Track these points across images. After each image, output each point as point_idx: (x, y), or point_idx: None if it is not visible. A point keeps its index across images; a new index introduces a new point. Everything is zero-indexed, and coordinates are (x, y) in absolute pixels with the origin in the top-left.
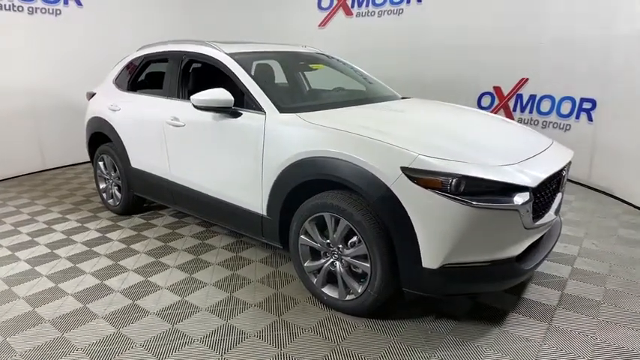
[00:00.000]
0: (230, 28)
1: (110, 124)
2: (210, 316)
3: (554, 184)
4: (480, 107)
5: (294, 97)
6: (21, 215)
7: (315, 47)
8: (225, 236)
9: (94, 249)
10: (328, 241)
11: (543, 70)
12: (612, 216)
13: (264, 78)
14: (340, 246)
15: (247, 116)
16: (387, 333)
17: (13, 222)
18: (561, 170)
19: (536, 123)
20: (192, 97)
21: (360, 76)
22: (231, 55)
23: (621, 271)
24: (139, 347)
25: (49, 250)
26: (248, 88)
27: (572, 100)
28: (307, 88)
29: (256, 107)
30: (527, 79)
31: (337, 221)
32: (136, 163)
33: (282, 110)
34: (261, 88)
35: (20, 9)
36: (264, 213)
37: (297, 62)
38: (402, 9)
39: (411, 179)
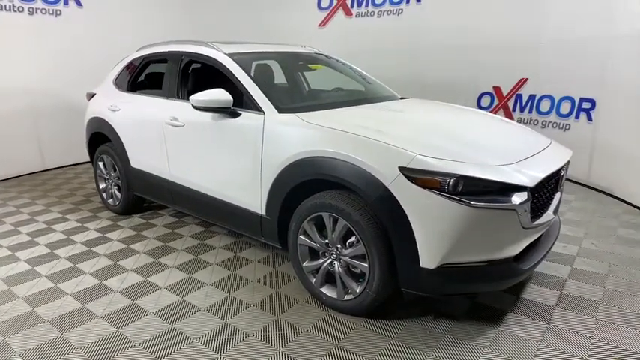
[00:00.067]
0: (230, 28)
1: (110, 125)
2: (209, 316)
3: (552, 183)
4: (480, 107)
5: (293, 98)
6: (21, 215)
7: (315, 47)
8: (224, 236)
9: (94, 249)
10: (327, 241)
11: (543, 70)
12: (612, 216)
13: (263, 78)
14: (339, 246)
15: (246, 116)
16: (385, 333)
17: (14, 222)
18: (559, 170)
19: (535, 123)
20: (191, 97)
21: (359, 77)
22: (230, 55)
23: (620, 271)
24: (137, 347)
25: (49, 250)
26: (247, 88)
27: (572, 99)
28: (306, 89)
29: (255, 107)
30: (526, 79)
31: (336, 221)
32: (135, 163)
33: (280, 110)
34: (260, 88)
35: (20, 9)
36: (263, 213)
37: (296, 62)
38: (402, 9)
39: (409, 179)
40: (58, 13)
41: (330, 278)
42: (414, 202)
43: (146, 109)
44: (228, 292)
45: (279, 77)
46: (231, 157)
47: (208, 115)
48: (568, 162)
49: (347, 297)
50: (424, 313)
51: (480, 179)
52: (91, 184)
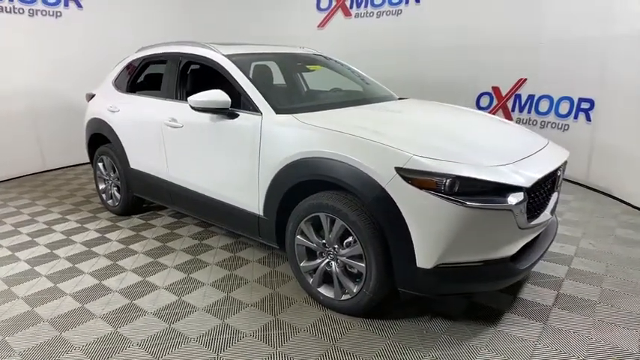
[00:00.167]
0: (230, 28)
1: (109, 126)
2: (207, 316)
3: (549, 184)
4: (479, 107)
5: (291, 98)
6: (21, 216)
7: (313, 48)
8: (223, 237)
9: (93, 249)
10: (324, 241)
11: (542, 70)
12: (610, 216)
13: (261, 79)
14: (336, 246)
15: (244, 117)
16: (382, 333)
17: (14, 222)
18: (556, 170)
19: (534, 123)
20: (189, 98)
21: (357, 77)
22: (229, 56)
23: (618, 271)
24: (135, 346)
25: (49, 251)
26: (245, 89)
27: (571, 100)
28: (305, 89)
29: (253, 108)
30: (525, 79)
31: (333, 221)
32: (134, 164)
33: (278, 111)
34: (258, 89)
35: (21, 11)
36: (261, 213)
37: (294, 63)
38: (401, 9)
39: (405, 180)
40: (59, 14)
41: (327, 278)
42: (411, 202)
43: (145, 110)
44: (227, 292)
45: (278, 78)
46: (229, 158)
47: (206, 116)
48: (565, 162)
49: (344, 297)
50: (421, 313)
51: (475, 179)
52: (90, 185)
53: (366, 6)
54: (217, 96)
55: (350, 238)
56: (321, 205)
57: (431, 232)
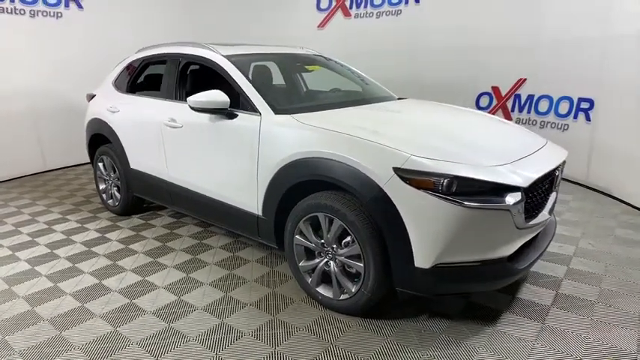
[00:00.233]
0: (230, 29)
1: (109, 126)
2: (206, 315)
3: (547, 183)
4: (479, 107)
5: (290, 99)
6: (22, 216)
7: (313, 49)
8: (222, 236)
9: (93, 249)
10: (322, 241)
11: (541, 70)
12: (610, 216)
13: (260, 80)
14: (334, 246)
15: (243, 117)
16: (380, 332)
17: (14, 222)
18: (554, 170)
19: (534, 123)
20: (188, 98)
21: (356, 78)
22: (228, 57)
23: (617, 271)
24: (135, 346)
25: (49, 250)
26: (244, 89)
27: (570, 100)
28: (304, 90)
29: (252, 108)
30: (525, 80)
31: (331, 221)
32: (134, 164)
33: (277, 111)
34: (257, 89)
35: (22, 12)
36: (260, 213)
37: (294, 64)
38: (401, 10)
39: (403, 180)
40: (59, 15)
41: (326, 278)
42: (409, 202)
43: (145, 110)
44: (226, 291)
45: (278, 79)
46: (228, 158)
47: (206, 116)
48: (564, 162)
49: (342, 297)
50: (419, 312)
51: (473, 179)
52: (91, 185)
53: (365, 6)
54: (216, 96)
55: (348, 238)
56: (320, 205)
57: (429, 232)
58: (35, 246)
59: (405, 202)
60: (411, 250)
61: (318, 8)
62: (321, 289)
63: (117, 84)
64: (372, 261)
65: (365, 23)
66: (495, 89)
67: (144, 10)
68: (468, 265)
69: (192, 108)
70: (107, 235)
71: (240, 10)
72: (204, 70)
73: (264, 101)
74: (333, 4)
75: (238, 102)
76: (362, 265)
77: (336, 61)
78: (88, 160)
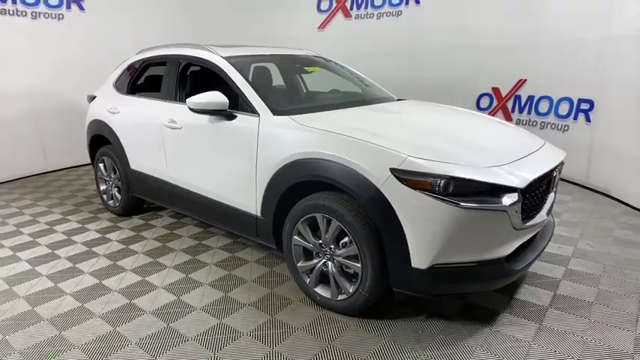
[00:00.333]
0: (230, 29)
1: (110, 127)
2: (205, 315)
3: (544, 184)
4: (479, 108)
5: (289, 100)
6: (23, 216)
7: (313, 50)
8: (222, 237)
9: (94, 249)
10: (321, 241)
11: (541, 71)
12: (610, 217)
13: (259, 81)
14: (332, 246)
15: (242, 119)
16: (378, 332)
17: (16, 223)
18: (552, 171)
19: (534, 124)
20: (188, 100)
21: (356, 79)
22: (227, 58)
23: (615, 272)
24: (134, 345)
25: (50, 251)
26: (243, 90)
27: (570, 100)
28: (304, 91)
29: (251, 110)
30: (525, 80)
31: (329, 222)
32: (135, 165)
33: (275, 113)
34: (256, 90)
35: (24, 14)
36: (259, 214)
37: (293, 65)
38: (401, 11)
39: (400, 180)
40: (61, 17)
41: (324, 278)
42: (405, 203)
43: (145, 111)
44: (224, 291)
45: (278, 80)
46: (227, 159)
47: (205, 117)
48: (562, 163)
49: (340, 297)
50: (416, 313)
51: (470, 180)
52: (92, 186)
53: (366, 7)
54: (215, 98)
55: (346, 239)
56: (318, 205)
57: (425, 233)
58: (36, 246)
59: (401, 203)
60: (408, 250)
61: (319, 9)
62: (319, 290)
63: (117, 85)
64: (370, 261)
65: (365, 24)
66: (495, 90)
67: (144, 11)
68: (465, 266)
69: (192, 109)
70: (107, 236)
71: (241, 10)
72: (204, 72)
73: (262, 102)
74: (334, 5)
75: (237, 103)
76: (359, 265)
77: (335, 63)
78: (90, 161)
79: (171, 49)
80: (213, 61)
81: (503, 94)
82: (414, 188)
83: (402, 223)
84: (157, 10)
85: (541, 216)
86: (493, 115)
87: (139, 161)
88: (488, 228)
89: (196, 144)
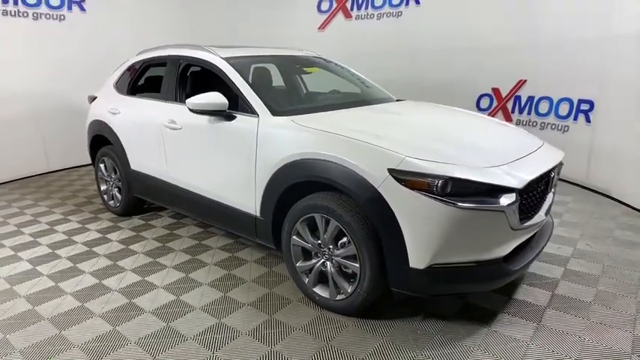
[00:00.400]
0: (230, 29)
1: (110, 127)
2: (204, 315)
3: (542, 185)
4: (479, 109)
5: (288, 100)
6: (24, 216)
7: (313, 51)
8: (222, 237)
9: (94, 249)
10: (319, 241)
11: (541, 71)
12: (610, 217)
13: (259, 81)
14: (331, 246)
15: (241, 119)
16: (376, 332)
17: (17, 223)
18: (550, 171)
19: (534, 124)
20: (187, 100)
21: (355, 79)
22: (227, 59)
23: (614, 272)
24: (133, 345)
25: (51, 251)
26: (242, 91)
27: (570, 101)
28: (304, 91)
29: (250, 110)
30: (525, 81)
31: (327, 222)
32: (135, 165)
33: (275, 113)
34: (255, 91)
35: (25, 15)
36: (258, 214)
37: (293, 66)
38: (401, 11)
39: (398, 181)
40: (62, 18)
41: (322, 278)
42: (403, 203)
43: (145, 112)
44: (224, 291)
45: (278, 81)
46: (226, 159)
47: (205, 117)
48: (561, 163)
49: (339, 297)
50: (415, 313)
51: (467, 181)
52: (93, 186)
53: (366, 8)
54: (215, 98)
55: (344, 239)
56: (316, 205)
57: (423, 233)
58: (37, 246)
59: (399, 203)
60: (406, 250)
61: (319, 10)
62: (317, 290)
63: (118, 86)
64: (368, 261)
65: (366, 25)
66: (496, 90)
67: (143, 11)
68: (463, 266)
69: (191, 110)
70: (108, 236)
71: (241, 10)
72: (204, 73)
73: (261, 103)
74: (334, 5)
75: (237, 104)
76: (358, 265)
77: (335, 63)
78: (90, 162)
79: (172, 50)
80: (212, 61)
81: (503, 95)
82: (412, 188)
83: (400, 223)
84: (156, 9)
85: (539, 216)
86: (493, 116)
87: (139, 161)
88: (485, 228)
89: (196, 144)
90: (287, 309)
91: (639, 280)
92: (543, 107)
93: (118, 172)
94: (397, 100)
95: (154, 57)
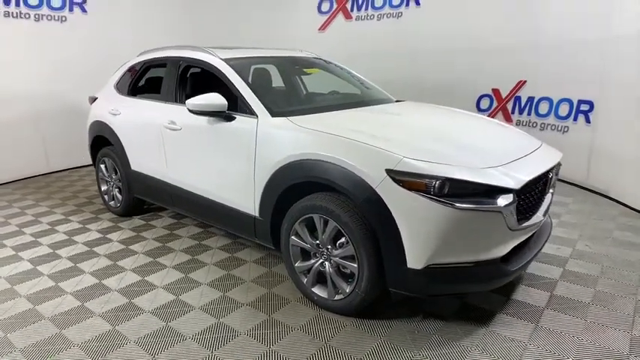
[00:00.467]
0: (230, 30)
1: (111, 128)
2: (203, 315)
3: (540, 185)
4: (479, 109)
5: (287, 101)
6: (25, 217)
7: (313, 52)
8: (221, 237)
9: (95, 249)
10: (318, 242)
11: (541, 72)
12: (609, 218)
13: (259, 82)
14: (329, 247)
15: (240, 120)
16: (374, 332)
17: (18, 223)
18: (548, 172)
19: (534, 125)
20: (187, 101)
21: (355, 80)
22: (226, 60)
23: (613, 273)
24: (132, 344)
25: (51, 250)
26: (241, 92)
27: (570, 102)
28: (303, 92)
29: (249, 111)
30: (525, 82)
31: (326, 222)
32: (135, 165)
33: (274, 114)
34: (254, 92)
35: (27, 16)
36: (257, 214)
37: (293, 67)
38: (401, 12)
39: (395, 181)
40: (64, 19)
41: (321, 278)
42: (401, 203)
43: (145, 112)
44: (223, 291)
45: (278, 81)
46: (226, 160)
47: (204, 118)
48: (559, 164)
49: (337, 297)
50: (413, 313)
51: (465, 181)
52: (93, 187)
53: (366, 9)
54: (214, 99)
55: (343, 239)
56: (315, 206)
57: (421, 233)
58: (38, 246)
59: (397, 204)
60: (404, 251)
61: (319, 11)
62: (316, 290)
63: (118, 87)
64: (366, 262)
65: (366, 26)
66: (496, 91)
67: (144, 11)
68: (461, 266)
69: (191, 111)
70: (108, 236)
71: (241, 11)
72: (204, 74)
73: (260, 104)
74: (335, 6)
75: (237, 105)
76: (356, 265)
77: (335, 64)
78: (91, 162)
79: (172, 51)
80: (212, 62)
81: (504, 96)
82: (410, 189)
83: (397, 223)
84: (157, 10)
85: (537, 217)
86: (493, 117)
87: (139, 162)
88: (483, 229)
89: (196, 145)
90: (286, 309)
91: (638, 281)
92: (543, 108)
93: (119, 173)
94: (396, 101)
95: (154, 58)
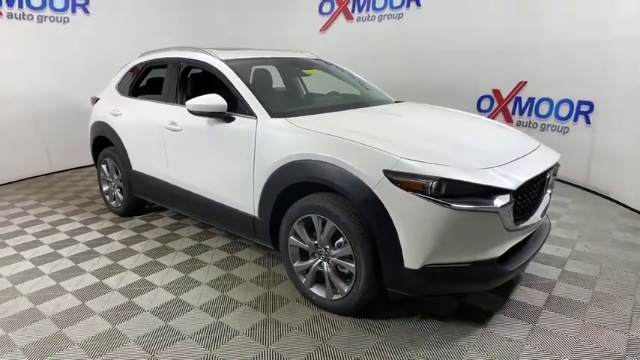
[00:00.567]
0: (231, 31)
1: (112, 129)
2: (202, 314)
3: (538, 186)
4: (480, 110)
5: (287, 102)
6: (27, 216)
7: (313, 53)
8: (221, 237)
9: (95, 249)
10: (316, 242)
11: (542, 73)
12: (609, 219)
13: (258, 83)
14: (327, 247)
15: (240, 121)
16: (372, 332)
17: (20, 223)
18: (545, 173)
19: (534, 126)
20: (187, 102)
21: (355, 81)
22: (226, 61)
23: (612, 273)
24: (132, 343)
25: (53, 250)
26: (241, 93)
27: (570, 102)
28: (303, 93)
29: (248, 112)
30: (525, 82)
31: (324, 223)
32: (136, 166)
33: (273, 115)
34: (253, 93)
35: (30, 17)
36: (256, 214)
37: (293, 68)
38: (402, 13)
39: (393, 182)
40: (66, 20)
41: (319, 278)
42: (398, 204)
43: (146, 113)
44: (222, 291)
45: (278, 82)
46: (225, 160)
47: (204, 119)
48: (557, 164)
49: (335, 297)
50: (411, 313)
51: (461, 182)
52: (95, 187)
53: (367, 10)
54: (214, 100)
55: (341, 239)
56: (313, 206)
57: (418, 234)
58: (39, 246)
59: (394, 204)
60: (401, 251)
61: (320, 12)
62: (314, 290)
63: (120, 88)
64: (364, 262)
65: (367, 27)
66: (496, 92)
67: (145, 12)
68: (458, 266)
69: (191, 111)
70: (109, 236)
71: (242, 12)
72: (204, 75)
73: (260, 105)
74: (336, 7)
75: (236, 106)
76: (354, 265)
77: (336, 66)
78: (93, 162)
79: (173, 52)
80: (212, 63)
81: (504, 96)
82: (407, 190)
83: (394, 224)
84: (158, 11)
85: (535, 217)
86: (494, 117)
87: (140, 162)
88: (480, 229)
89: (196, 146)
90: (284, 309)
91: (636, 282)
92: (544, 109)
93: (120, 173)
94: (396, 102)
95: (155, 59)
